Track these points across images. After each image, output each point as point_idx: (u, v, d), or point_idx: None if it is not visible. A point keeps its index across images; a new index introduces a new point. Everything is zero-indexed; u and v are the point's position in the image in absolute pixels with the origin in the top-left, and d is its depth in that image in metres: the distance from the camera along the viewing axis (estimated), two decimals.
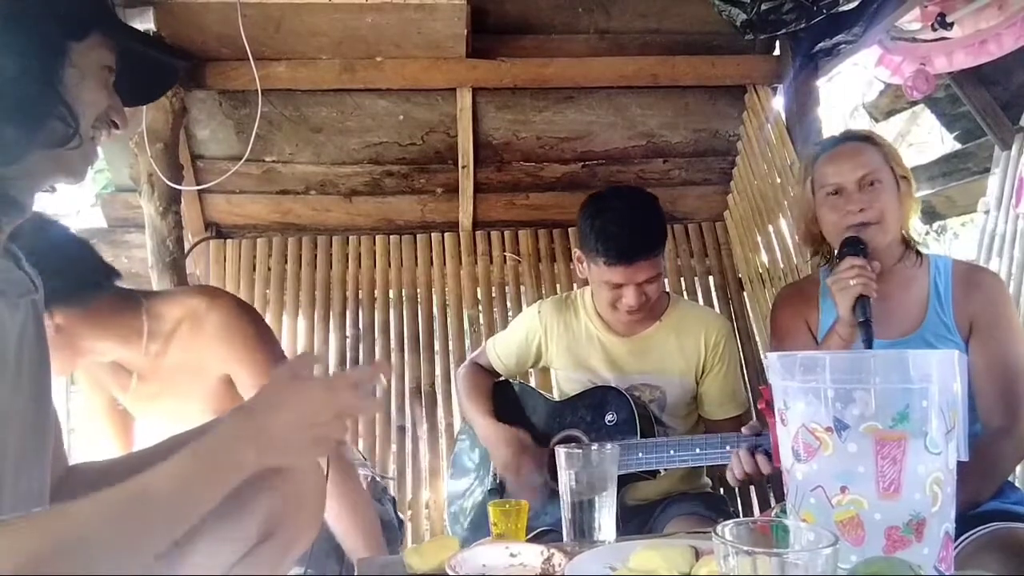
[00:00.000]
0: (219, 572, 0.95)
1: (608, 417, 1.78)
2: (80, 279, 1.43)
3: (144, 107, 2.22)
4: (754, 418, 1.97)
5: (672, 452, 1.63)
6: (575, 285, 2.79)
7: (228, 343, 1.51)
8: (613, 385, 1.85)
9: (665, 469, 1.69)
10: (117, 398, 1.67)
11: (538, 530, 1.74)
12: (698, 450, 1.59)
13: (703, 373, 1.88)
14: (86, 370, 1.67)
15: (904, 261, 1.55)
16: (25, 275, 0.94)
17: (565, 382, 1.97)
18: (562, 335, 1.95)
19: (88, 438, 1.77)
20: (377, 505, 1.69)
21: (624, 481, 1.65)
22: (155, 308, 1.53)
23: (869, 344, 1.38)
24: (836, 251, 1.52)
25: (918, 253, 1.57)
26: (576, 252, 1.88)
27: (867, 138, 1.57)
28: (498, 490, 1.88)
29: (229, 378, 1.55)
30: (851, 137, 1.58)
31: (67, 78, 0.89)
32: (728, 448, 1.52)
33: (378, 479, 1.85)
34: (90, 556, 0.73)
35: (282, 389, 0.91)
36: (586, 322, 1.94)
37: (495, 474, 1.90)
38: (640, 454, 1.65)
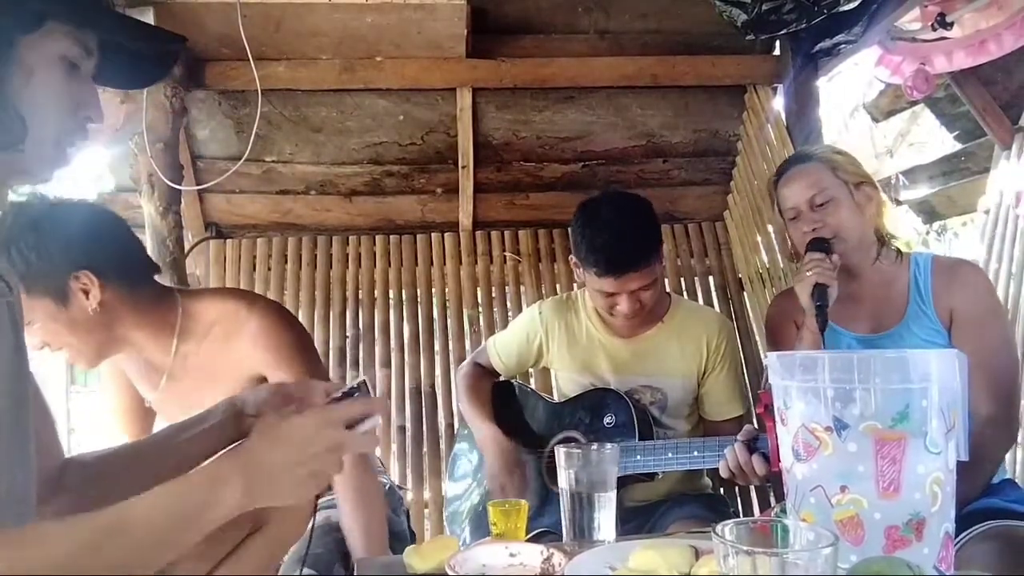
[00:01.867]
0: (209, 565, 0.94)
1: (607, 419, 1.78)
2: (133, 259, 1.47)
3: (144, 107, 2.22)
4: (754, 420, 1.97)
5: (670, 455, 1.63)
6: (575, 285, 2.79)
7: (268, 347, 1.50)
8: (613, 387, 1.85)
9: (663, 472, 1.69)
10: (146, 398, 1.66)
11: (535, 531, 1.73)
12: (696, 453, 1.59)
13: (704, 374, 1.87)
14: (115, 367, 1.67)
15: (881, 260, 1.60)
16: None
17: (566, 383, 1.97)
18: (563, 336, 1.94)
19: (105, 438, 1.76)
20: (392, 515, 1.68)
21: (622, 483, 1.65)
22: (190, 307, 1.53)
23: (822, 328, 1.47)
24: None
25: (899, 252, 1.61)
26: (572, 258, 1.86)
27: (812, 157, 1.64)
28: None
29: (262, 379, 1.53)
30: (797, 160, 1.68)
31: (12, 77, 0.82)
32: (726, 452, 1.53)
33: (396, 489, 1.84)
34: None
35: (274, 426, 0.88)
36: (587, 323, 1.93)
37: None
38: (638, 456, 1.65)
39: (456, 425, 2.55)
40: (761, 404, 1.41)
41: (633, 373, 1.87)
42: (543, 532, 1.73)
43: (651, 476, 1.71)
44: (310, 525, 1.07)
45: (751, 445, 1.44)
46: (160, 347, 1.51)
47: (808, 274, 1.49)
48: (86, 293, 1.37)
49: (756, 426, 1.57)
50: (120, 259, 1.43)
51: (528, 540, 1.65)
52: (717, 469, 1.51)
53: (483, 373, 2.05)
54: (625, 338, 1.89)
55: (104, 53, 0.92)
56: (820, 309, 1.47)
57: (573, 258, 1.83)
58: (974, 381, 1.40)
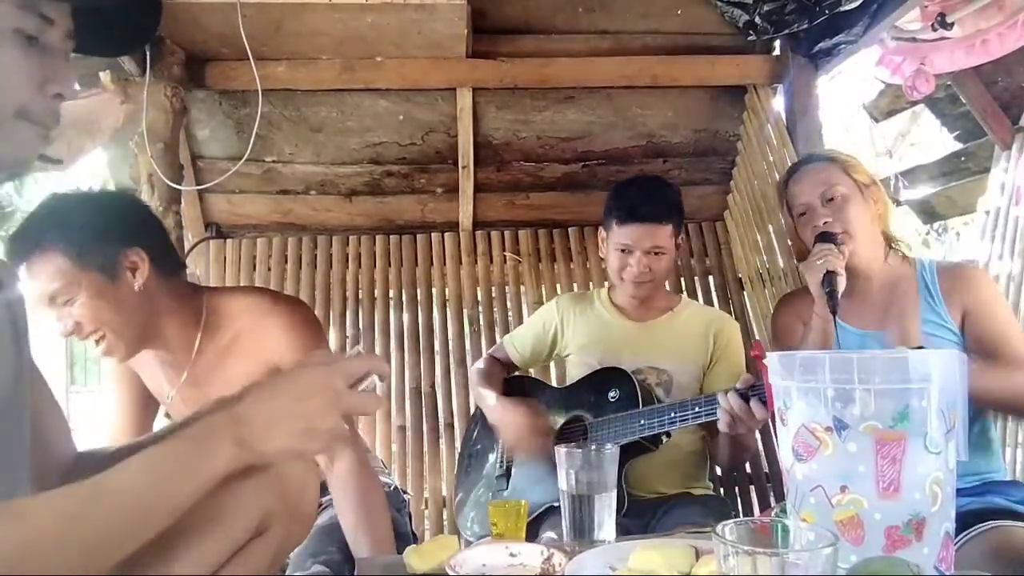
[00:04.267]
0: (210, 570, 0.92)
1: (611, 394, 1.82)
2: (170, 248, 1.57)
3: (144, 107, 2.22)
4: None
5: (673, 414, 1.65)
6: (575, 285, 2.80)
7: (292, 339, 1.53)
8: (620, 366, 1.88)
9: (668, 435, 1.71)
10: (162, 398, 1.66)
11: (545, 506, 1.75)
12: (697, 408, 1.62)
13: (709, 365, 1.93)
14: (126, 368, 1.67)
15: (889, 261, 1.65)
16: None
17: (575, 366, 2.01)
18: (578, 321, 2.03)
19: (106, 438, 1.76)
20: (396, 516, 1.69)
21: (627, 452, 1.67)
22: (215, 302, 1.56)
23: (834, 311, 1.51)
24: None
25: (904, 256, 1.66)
26: (600, 231, 2.00)
27: (824, 157, 1.71)
28: (505, 476, 1.92)
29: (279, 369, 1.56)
30: (810, 159, 1.75)
31: None
32: (719, 398, 1.55)
33: (401, 492, 1.85)
34: (41, 561, 0.65)
35: (273, 376, 0.83)
36: (601, 310, 2.04)
37: (501, 460, 1.94)
38: (642, 421, 1.69)
39: (456, 424, 2.55)
40: (754, 349, 1.46)
41: (643, 352, 1.93)
42: (552, 507, 1.74)
43: (656, 443, 1.73)
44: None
45: (744, 394, 1.48)
46: (185, 342, 1.53)
47: (818, 262, 1.54)
48: (133, 271, 1.42)
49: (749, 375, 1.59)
50: (162, 244, 1.51)
51: (538, 516, 1.72)
52: (718, 467, 1.52)
53: (498, 364, 2.12)
54: (637, 322, 1.99)
55: (78, 19, 0.86)
56: (831, 295, 1.51)
57: (600, 231, 1.99)
58: (995, 361, 1.46)
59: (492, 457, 1.99)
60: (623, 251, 1.87)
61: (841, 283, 1.52)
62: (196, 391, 1.57)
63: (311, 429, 0.81)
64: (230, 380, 1.51)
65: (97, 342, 1.42)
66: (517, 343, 2.11)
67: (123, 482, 0.71)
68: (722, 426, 1.53)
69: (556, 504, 1.72)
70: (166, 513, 0.74)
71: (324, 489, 1.66)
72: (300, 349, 1.53)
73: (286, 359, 1.53)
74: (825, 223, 1.59)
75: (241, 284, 2.68)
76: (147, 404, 1.71)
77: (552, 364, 2.52)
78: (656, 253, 1.86)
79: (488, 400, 1.95)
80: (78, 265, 1.35)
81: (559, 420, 1.90)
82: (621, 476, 1.62)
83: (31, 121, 0.83)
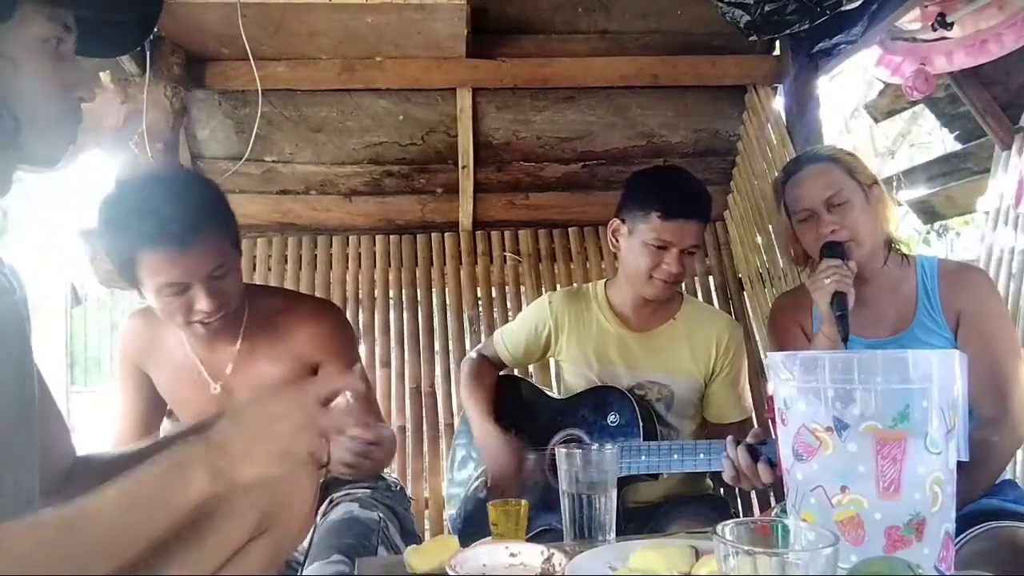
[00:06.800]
0: (208, 571, 0.92)
1: (611, 418, 1.77)
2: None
3: (144, 107, 2.22)
4: (755, 423, 1.97)
5: (676, 456, 1.60)
6: (575, 284, 2.79)
7: (330, 337, 1.60)
8: (621, 382, 1.84)
9: (668, 473, 1.68)
10: (196, 393, 1.64)
11: (539, 529, 1.73)
12: (702, 455, 1.56)
13: (712, 375, 1.87)
14: (136, 368, 1.67)
15: (889, 264, 1.58)
16: (3, 276, 0.91)
17: (572, 376, 1.94)
18: (572, 327, 1.92)
19: (107, 439, 1.75)
20: (403, 512, 1.70)
21: (626, 482, 1.65)
22: (254, 297, 1.60)
23: (845, 337, 1.45)
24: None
25: (904, 256, 1.60)
26: (613, 222, 1.84)
27: (827, 157, 1.61)
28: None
29: (314, 370, 1.61)
30: (811, 159, 1.63)
31: None
32: (727, 450, 1.51)
33: (406, 493, 1.85)
34: None
35: (241, 405, 0.85)
36: (598, 315, 1.92)
37: (487, 481, 1.89)
38: (643, 457, 1.64)
39: (456, 424, 2.55)
40: (769, 408, 1.40)
41: (642, 367, 1.86)
42: (546, 530, 1.73)
43: (655, 476, 1.71)
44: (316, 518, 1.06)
45: (754, 450, 1.40)
46: (232, 328, 1.56)
47: (827, 282, 1.46)
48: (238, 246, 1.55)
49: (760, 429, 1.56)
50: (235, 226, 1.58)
51: (531, 538, 1.66)
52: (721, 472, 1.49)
53: (487, 365, 2.02)
54: (636, 332, 1.88)
55: (81, 25, 0.89)
56: (841, 319, 1.44)
57: (616, 222, 1.83)
58: (979, 384, 1.40)
59: (480, 469, 1.94)
60: (661, 247, 1.73)
61: (850, 302, 1.46)
62: (241, 382, 1.60)
63: (286, 451, 0.82)
64: (268, 377, 1.58)
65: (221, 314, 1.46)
66: (508, 342, 1.99)
67: (99, 510, 0.73)
68: (726, 477, 1.44)
69: (549, 527, 1.71)
70: (142, 540, 0.75)
71: (337, 485, 1.66)
72: (334, 352, 1.58)
73: (320, 354, 1.59)
74: (833, 231, 1.51)
75: None
76: (154, 406, 1.71)
77: (552, 360, 2.50)
78: (691, 252, 1.76)
79: (476, 420, 1.89)
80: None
81: (554, 434, 1.85)
82: (619, 496, 1.61)
83: (63, 124, 0.88)
